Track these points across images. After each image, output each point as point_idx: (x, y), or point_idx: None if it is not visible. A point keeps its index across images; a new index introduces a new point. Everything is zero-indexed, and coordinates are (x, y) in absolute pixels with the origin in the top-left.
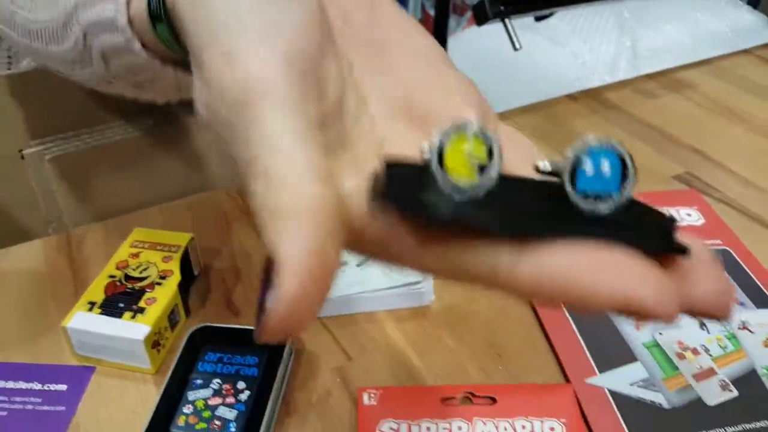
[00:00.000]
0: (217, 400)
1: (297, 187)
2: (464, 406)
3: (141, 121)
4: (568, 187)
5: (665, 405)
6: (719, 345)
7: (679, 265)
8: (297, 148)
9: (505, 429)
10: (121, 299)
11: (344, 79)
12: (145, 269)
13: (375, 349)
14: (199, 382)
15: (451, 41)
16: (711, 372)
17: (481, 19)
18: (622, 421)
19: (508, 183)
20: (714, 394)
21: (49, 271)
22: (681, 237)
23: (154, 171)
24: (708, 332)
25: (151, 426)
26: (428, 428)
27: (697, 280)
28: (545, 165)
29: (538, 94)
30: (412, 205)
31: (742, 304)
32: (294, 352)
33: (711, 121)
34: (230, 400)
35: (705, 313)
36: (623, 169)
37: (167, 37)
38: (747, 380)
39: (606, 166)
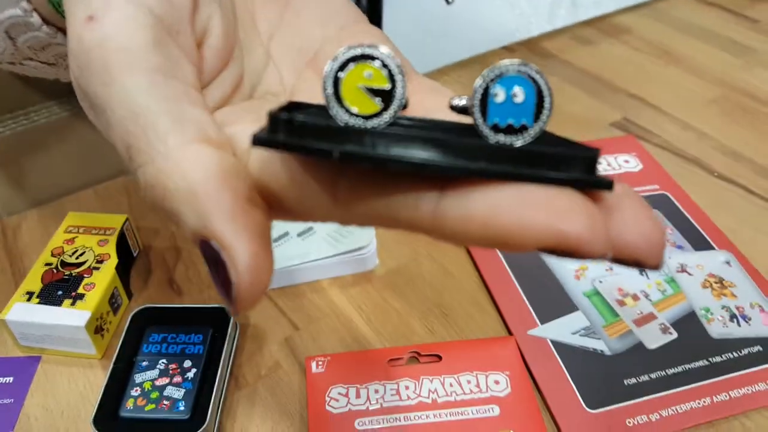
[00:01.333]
0: (165, 380)
1: (186, 159)
2: (411, 365)
3: (70, 102)
4: (478, 119)
5: (607, 351)
6: (659, 289)
7: (606, 202)
8: (172, 119)
9: (451, 385)
10: (60, 287)
11: (235, 30)
12: (81, 254)
13: (321, 317)
14: (144, 363)
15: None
16: (651, 316)
17: None
18: (564, 370)
19: (415, 120)
20: (654, 337)
21: None
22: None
23: (87, 152)
24: (648, 278)
25: (99, 411)
26: (376, 390)
27: (626, 219)
28: (459, 100)
29: (476, 47)
30: (295, 141)
31: (680, 247)
32: (239, 327)
33: (649, 64)
34: (177, 379)
35: (633, 258)
36: (539, 97)
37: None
38: (686, 322)
39: (519, 94)
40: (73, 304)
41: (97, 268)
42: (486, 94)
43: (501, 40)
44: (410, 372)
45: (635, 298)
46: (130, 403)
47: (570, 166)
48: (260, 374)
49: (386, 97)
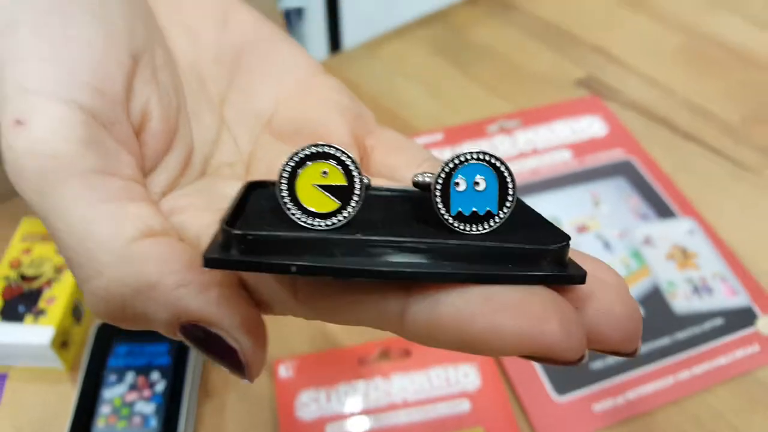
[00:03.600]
0: (134, 395)
1: (136, 259)
2: (381, 363)
3: None
4: (441, 209)
5: None
6: (623, 264)
7: (579, 292)
8: (111, 224)
9: (421, 382)
10: (20, 302)
11: (177, 109)
12: (39, 266)
13: (288, 318)
14: (112, 378)
15: None
16: None
17: None
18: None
19: (374, 207)
20: None
21: None
22: (577, 258)
23: None
24: (612, 253)
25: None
26: (346, 392)
27: (600, 310)
28: (422, 177)
29: (439, 0)
30: (250, 259)
31: (645, 216)
32: None
33: (616, 11)
34: (147, 393)
35: (610, 350)
36: (502, 184)
37: None
38: (651, 298)
39: (481, 183)
40: (35, 319)
41: (57, 279)
42: (447, 183)
43: None
44: (381, 370)
45: None
46: (101, 422)
47: (540, 261)
48: (228, 382)
49: (344, 194)
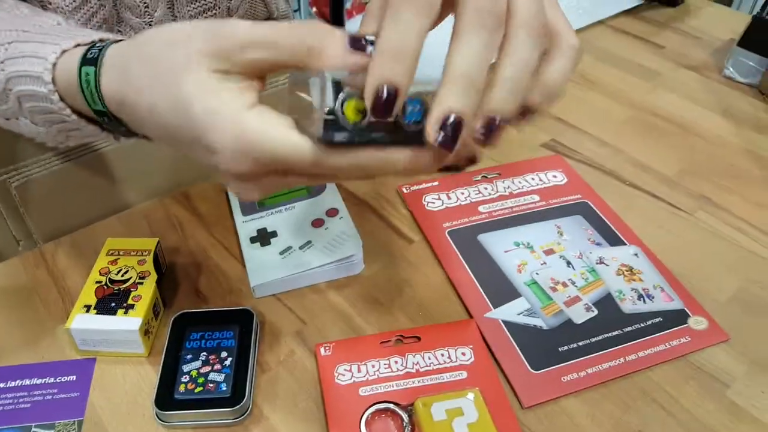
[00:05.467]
0: (207, 368)
1: None
2: (397, 345)
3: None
4: (401, 119)
5: (544, 327)
6: (582, 278)
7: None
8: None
9: (429, 358)
10: (112, 300)
11: None
12: (125, 273)
13: (323, 313)
14: (189, 357)
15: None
16: (577, 299)
17: None
18: (513, 342)
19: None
20: (580, 314)
21: (33, 284)
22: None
23: (108, 185)
24: (573, 269)
25: (158, 395)
26: (373, 365)
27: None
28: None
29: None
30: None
31: (598, 244)
32: (259, 324)
33: (574, 90)
34: (218, 366)
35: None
36: (424, 107)
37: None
38: (604, 302)
39: (417, 108)
40: (125, 312)
41: (141, 283)
42: (403, 109)
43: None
44: (397, 351)
45: (564, 285)
46: (182, 388)
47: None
48: (279, 360)
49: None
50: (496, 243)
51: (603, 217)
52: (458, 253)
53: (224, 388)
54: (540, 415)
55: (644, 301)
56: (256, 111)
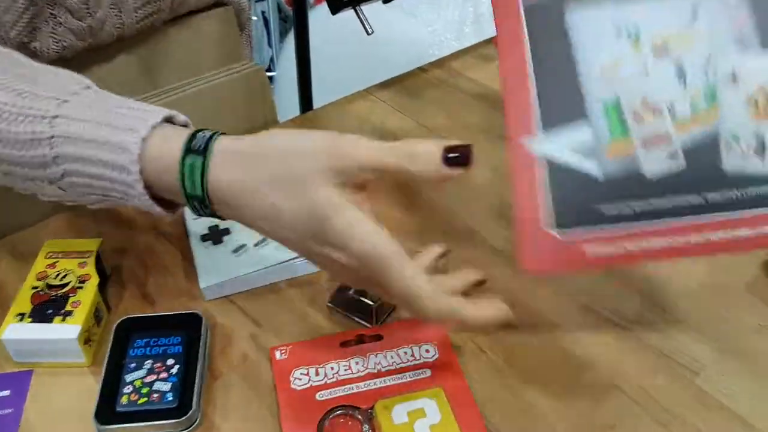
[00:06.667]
0: (152, 377)
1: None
2: (358, 346)
3: None
4: None
5: (600, 176)
6: (691, 102)
7: None
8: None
9: (392, 357)
10: (49, 306)
11: None
12: (64, 276)
13: (280, 314)
14: (132, 365)
15: (312, 23)
16: (665, 138)
17: (334, 8)
18: (545, 189)
19: None
20: (657, 163)
21: None
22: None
23: None
24: (685, 85)
25: (99, 408)
26: (332, 368)
27: None
28: None
29: (398, 67)
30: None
31: (746, 46)
32: (210, 328)
33: None
34: (163, 375)
35: None
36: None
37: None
38: (703, 151)
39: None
40: (63, 320)
41: (81, 287)
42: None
43: (417, 61)
44: (358, 351)
45: (658, 111)
46: (124, 399)
47: None
48: (232, 366)
49: None
50: (589, 25)
51: None
52: (527, 38)
53: (170, 398)
54: (506, 413)
55: (763, 156)
56: (387, 232)
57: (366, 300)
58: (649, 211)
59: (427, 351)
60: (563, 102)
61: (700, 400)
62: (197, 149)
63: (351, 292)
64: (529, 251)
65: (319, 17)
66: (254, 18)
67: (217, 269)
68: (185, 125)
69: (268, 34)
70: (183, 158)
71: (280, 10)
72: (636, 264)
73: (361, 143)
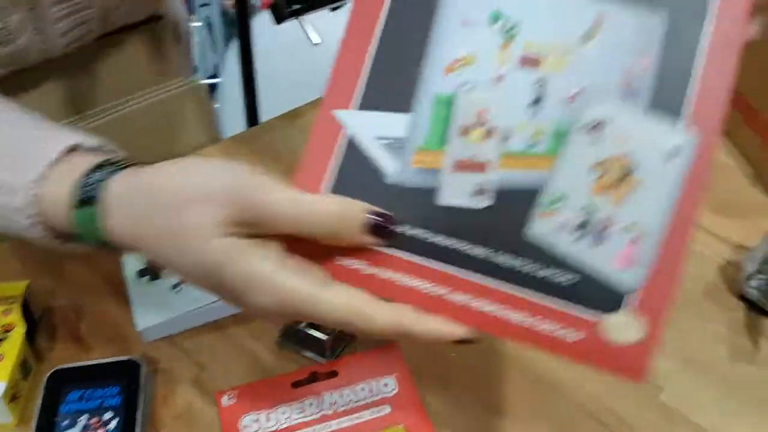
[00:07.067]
0: None
1: None
2: (311, 385)
3: None
4: None
5: (392, 176)
6: (532, 138)
7: None
8: None
9: (348, 395)
10: None
11: None
12: None
13: (225, 353)
14: (65, 423)
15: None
16: (482, 166)
17: (278, 19)
18: (330, 173)
19: None
20: (458, 193)
21: None
22: None
23: None
24: (534, 114)
25: None
26: (283, 412)
27: None
28: None
29: None
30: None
31: (634, 94)
32: (150, 375)
33: None
34: (101, 431)
35: None
36: None
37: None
38: (518, 198)
39: None
40: None
41: (5, 338)
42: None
43: None
44: (311, 391)
45: (489, 134)
46: None
47: None
48: (175, 415)
49: None
50: (467, 3)
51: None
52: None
53: None
54: None
55: (584, 238)
56: (290, 270)
57: (318, 334)
58: (419, 242)
59: (386, 385)
60: (394, 87)
61: (667, 416)
62: (87, 199)
63: (302, 325)
64: None
65: (267, 20)
66: (198, 24)
67: (156, 307)
68: (96, 148)
69: (213, 40)
70: (75, 208)
71: (225, 13)
72: (382, 295)
73: (274, 194)
